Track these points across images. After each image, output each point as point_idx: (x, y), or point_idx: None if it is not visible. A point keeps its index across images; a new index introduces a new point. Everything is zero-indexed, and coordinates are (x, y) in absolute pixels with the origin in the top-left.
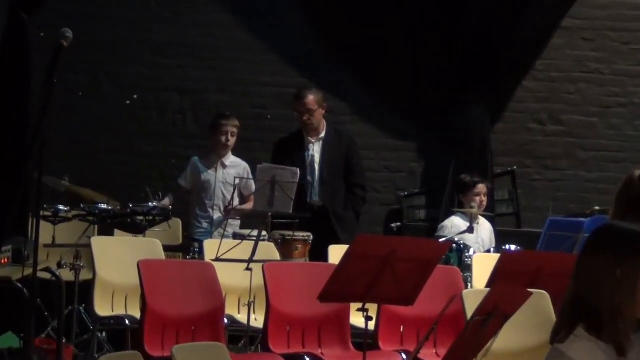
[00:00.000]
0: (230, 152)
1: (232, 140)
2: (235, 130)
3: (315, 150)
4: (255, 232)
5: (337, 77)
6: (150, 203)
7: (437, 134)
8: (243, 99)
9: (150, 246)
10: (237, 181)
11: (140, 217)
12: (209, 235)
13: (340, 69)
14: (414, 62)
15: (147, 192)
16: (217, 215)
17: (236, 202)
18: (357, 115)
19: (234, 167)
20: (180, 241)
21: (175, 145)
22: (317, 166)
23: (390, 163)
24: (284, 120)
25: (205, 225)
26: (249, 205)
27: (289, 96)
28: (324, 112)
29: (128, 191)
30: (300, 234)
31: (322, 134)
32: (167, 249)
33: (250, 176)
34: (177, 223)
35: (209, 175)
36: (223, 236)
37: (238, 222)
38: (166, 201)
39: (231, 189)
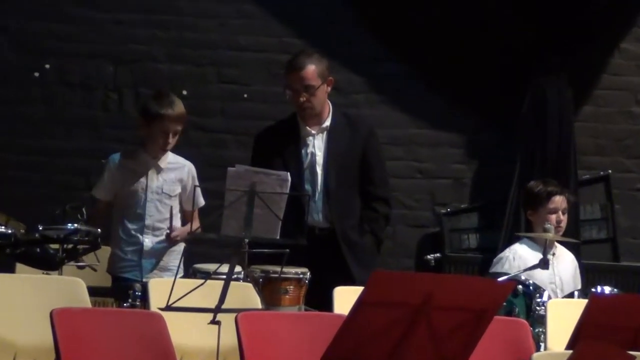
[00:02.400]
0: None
1: (173, 142)
2: (180, 126)
3: (317, 145)
4: (224, 268)
5: (348, 37)
6: (69, 225)
7: (495, 123)
8: (208, 70)
9: (69, 288)
10: (179, 191)
11: (55, 246)
12: (139, 271)
13: (350, 22)
14: (462, 15)
15: (65, 208)
16: (149, 240)
17: (178, 222)
18: (378, 94)
19: (173, 170)
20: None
21: (108, 137)
22: (319, 169)
23: (427, 165)
24: (269, 101)
25: (131, 255)
26: (196, 224)
27: (277, 65)
28: (329, 89)
29: (37, 207)
30: (293, 270)
31: (327, 122)
32: (94, 292)
33: (197, 182)
34: (107, 253)
35: (136, 182)
36: (177, 273)
37: (180, 249)
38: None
39: (169, 202)
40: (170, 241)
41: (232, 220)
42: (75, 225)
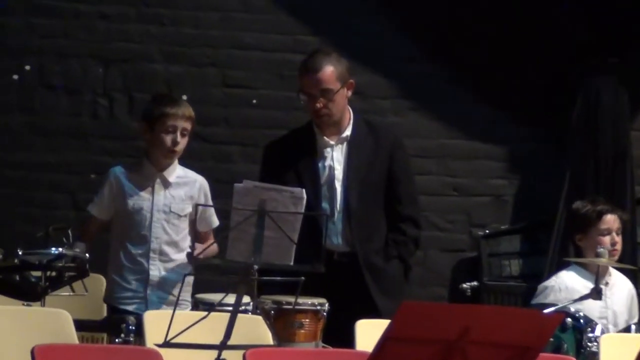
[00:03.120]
0: (176, 162)
1: (183, 143)
2: (188, 125)
3: (336, 158)
4: (230, 299)
5: (371, 33)
6: (53, 249)
7: (541, 132)
8: (210, 72)
9: (53, 321)
10: (190, 210)
11: (37, 273)
12: (144, 303)
13: (374, 17)
14: (504, 10)
15: (48, 230)
16: (157, 268)
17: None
18: (406, 99)
19: (183, 185)
20: (105, 313)
21: (97, 149)
22: (338, 185)
23: (462, 180)
24: (280, 107)
25: (135, 285)
26: (212, 249)
27: (290, 67)
28: (349, 93)
29: (16, 230)
30: (309, 301)
31: (347, 131)
32: (82, 325)
33: (210, 200)
34: (98, 283)
35: (140, 199)
36: (177, 304)
37: (191, 280)
38: (81, 246)
39: (178, 223)
40: (194, 260)
41: (239, 243)
42: (60, 249)
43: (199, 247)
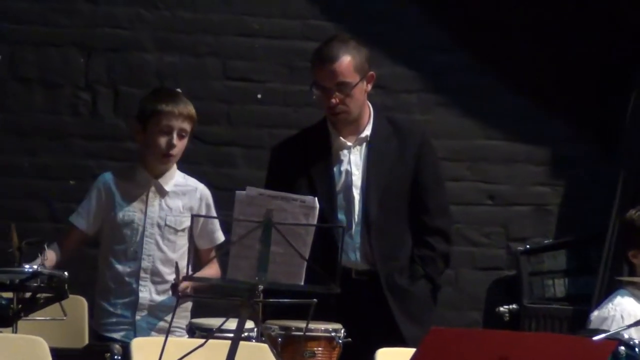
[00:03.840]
0: (175, 167)
1: (180, 146)
2: (187, 125)
3: (354, 162)
4: (232, 324)
5: (395, 18)
6: (26, 267)
7: (590, 132)
8: (210, 63)
9: (27, 350)
10: (189, 223)
11: (8, 295)
12: (132, 330)
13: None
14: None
15: (20, 245)
16: (147, 290)
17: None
18: (434, 93)
19: (181, 194)
20: (86, 340)
21: (77, 151)
22: (356, 193)
23: (500, 188)
24: (289, 103)
25: (121, 310)
26: (211, 271)
27: (301, 56)
28: (369, 87)
29: None
30: (322, 327)
31: (367, 131)
32: (60, 355)
33: (214, 212)
34: (79, 306)
35: (131, 209)
36: (169, 331)
37: (188, 305)
38: (54, 255)
39: (175, 239)
40: (178, 294)
41: (241, 260)
42: (35, 267)
43: (183, 284)
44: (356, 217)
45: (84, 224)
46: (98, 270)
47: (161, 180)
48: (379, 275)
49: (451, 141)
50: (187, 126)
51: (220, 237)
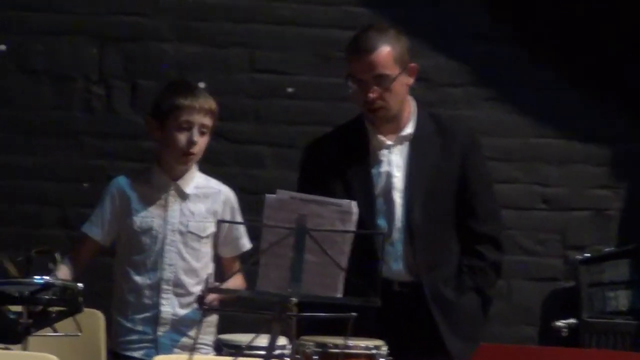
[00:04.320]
0: (195, 168)
1: (202, 143)
2: (208, 120)
3: (395, 162)
4: (263, 340)
5: (438, 3)
6: (37, 278)
7: None
8: (236, 54)
9: None
10: (213, 229)
11: (17, 308)
12: (154, 347)
13: None
14: None
15: (30, 254)
16: (170, 303)
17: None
18: (483, 87)
19: (203, 198)
20: (103, 359)
21: (90, 151)
22: (398, 197)
23: (556, 190)
24: (323, 97)
25: (141, 326)
26: (235, 282)
27: (336, 46)
28: (411, 80)
29: None
30: (362, 343)
31: (409, 129)
32: None
33: (240, 217)
34: (94, 321)
35: (150, 215)
36: (194, 348)
37: (214, 319)
38: (67, 270)
39: (199, 246)
40: (204, 306)
41: (272, 270)
42: (46, 278)
43: (211, 296)
44: (398, 223)
45: (98, 233)
46: (114, 283)
47: (181, 183)
48: (423, 287)
49: (501, 139)
50: (208, 121)
51: (246, 244)
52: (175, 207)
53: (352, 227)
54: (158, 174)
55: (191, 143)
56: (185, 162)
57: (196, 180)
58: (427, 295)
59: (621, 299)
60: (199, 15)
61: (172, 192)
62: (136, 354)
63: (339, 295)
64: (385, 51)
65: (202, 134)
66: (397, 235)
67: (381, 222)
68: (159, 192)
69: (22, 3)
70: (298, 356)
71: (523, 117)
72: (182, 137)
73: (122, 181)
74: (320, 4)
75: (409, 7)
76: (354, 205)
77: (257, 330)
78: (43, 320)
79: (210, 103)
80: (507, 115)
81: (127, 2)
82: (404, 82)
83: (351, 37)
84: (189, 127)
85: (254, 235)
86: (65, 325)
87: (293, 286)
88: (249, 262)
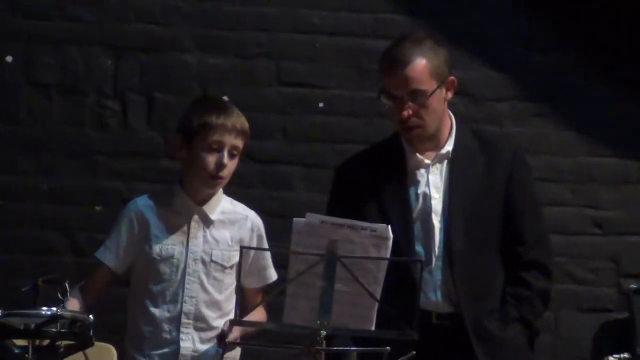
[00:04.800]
0: (221, 191)
1: (231, 166)
2: (239, 142)
3: (433, 183)
4: None
5: (480, 4)
6: (44, 309)
7: None
8: (262, 65)
9: None
10: (237, 258)
11: (22, 342)
12: None
13: None
14: None
15: (36, 282)
16: (190, 339)
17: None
18: (532, 101)
19: (229, 224)
20: None
21: (104, 171)
22: (437, 221)
23: (609, 214)
24: (357, 113)
25: None
26: (258, 315)
27: (370, 58)
28: (450, 95)
29: None
30: None
31: (448, 146)
32: None
33: (266, 245)
34: (106, 354)
35: (171, 242)
36: None
37: (236, 354)
38: (77, 302)
39: (222, 277)
40: (225, 345)
41: (300, 300)
42: (54, 309)
43: (235, 331)
44: (436, 249)
45: (112, 260)
46: (129, 315)
47: (206, 208)
48: (464, 320)
49: (550, 158)
50: (239, 143)
51: (272, 275)
52: (198, 234)
53: (387, 253)
54: (181, 197)
55: (221, 166)
56: (213, 186)
57: (222, 205)
58: (469, 328)
59: None
60: (222, 23)
61: (196, 218)
62: None
63: (372, 327)
64: (421, 65)
65: (232, 156)
66: (436, 262)
67: (419, 249)
68: (181, 217)
69: (30, 10)
70: None
71: (575, 134)
72: (211, 159)
73: (140, 203)
74: (352, 11)
75: (450, 14)
76: (389, 230)
77: None
78: (50, 355)
79: (243, 122)
80: (558, 132)
81: (144, 9)
82: (442, 97)
83: (386, 47)
84: (219, 148)
85: (280, 263)
86: None
87: (322, 318)
88: (275, 292)
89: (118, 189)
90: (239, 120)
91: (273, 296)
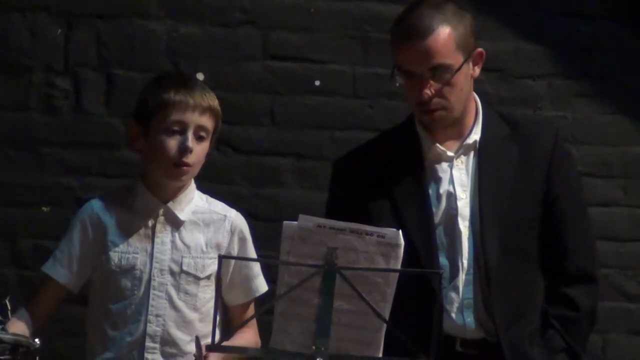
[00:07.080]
0: (193, 186)
1: (200, 151)
2: (209, 122)
3: (458, 180)
4: None
5: None
6: None
7: None
8: (246, 34)
9: None
10: (214, 267)
11: None
12: None
13: None
14: None
15: None
16: None
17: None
18: (573, 79)
19: (203, 226)
20: None
21: (51, 165)
22: (463, 226)
23: None
24: (362, 93)
25: None
26: (247, 337)
27: (380, 28)
28: (477, 71)
29: None
30: None
31: (475, 135)
32: None
33: (252, 250)
34: None
35: (132, 250)
36: None
37: None
38: (24, 326)
39: (196, 291)
40: None
41: (292, 322)
42: None
43: (213, 358)
44: (464, 261)
45: (64, 275)
46: (87, 339)
47: (173, 205)
48: (501, 346)
49: (597, 148)
50: (207, 122)
51: (261, 286)
52: (165, 238)
53: (398, 264)
54: (142, 195)
55: (185, 150)
56: (178, 177)
57: (194, 203)
58: (507, 356)
59: None
60: None
61: (161, 219)
62: None
63: (379, 354)
64: (445, 34)
65: (199, 139)
66: (463, 277)
67: (442, 260)
68: (143, 219)
69: None
70: None
71: (627, 120)
72: (173, 143)
73: (96, 206)
74: None
75: None
76: (400, 236)
77: None
78: None
79: (210, 99)
80: (606, 116)
81: None
82: (468, 74)
83: (397, 13)
84: (181, 129)
85: (268, 276)
86: None
87: (319, 342)
88: (261, 310)
89: (70, 185)
90: (204, 95)
91: (258, 315)
